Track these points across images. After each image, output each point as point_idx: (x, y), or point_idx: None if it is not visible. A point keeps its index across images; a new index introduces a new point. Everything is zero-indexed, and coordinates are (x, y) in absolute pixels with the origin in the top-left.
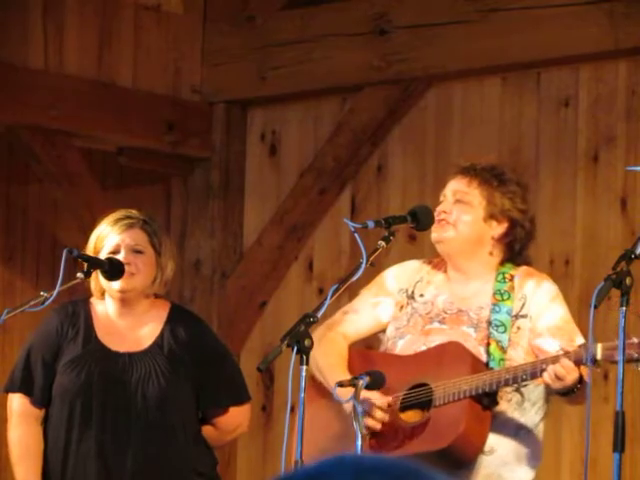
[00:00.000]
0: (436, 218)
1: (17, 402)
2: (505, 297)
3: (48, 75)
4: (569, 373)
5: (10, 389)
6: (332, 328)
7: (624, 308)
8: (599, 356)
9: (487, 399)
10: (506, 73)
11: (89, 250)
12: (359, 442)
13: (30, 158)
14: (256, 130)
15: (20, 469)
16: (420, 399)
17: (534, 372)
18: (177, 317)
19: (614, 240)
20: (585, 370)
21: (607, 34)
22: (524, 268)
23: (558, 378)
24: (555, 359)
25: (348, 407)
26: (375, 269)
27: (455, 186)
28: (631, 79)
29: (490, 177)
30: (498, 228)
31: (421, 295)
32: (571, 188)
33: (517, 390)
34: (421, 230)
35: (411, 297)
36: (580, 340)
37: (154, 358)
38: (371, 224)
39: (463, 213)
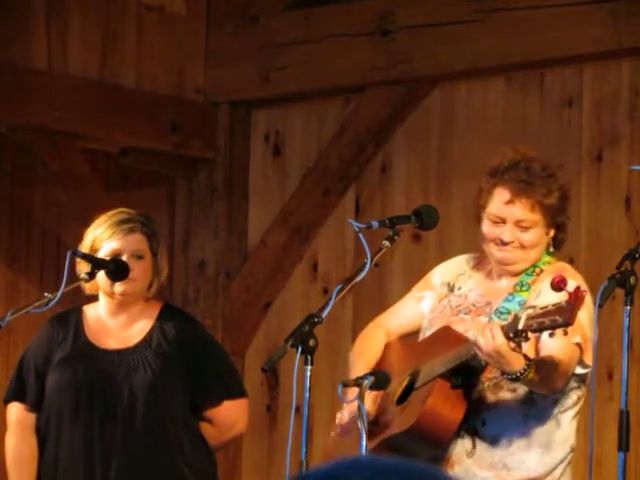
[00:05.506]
0: (495, 240)
1: (13, 410)
2: (524, 289)
3: (51, 76)
4: (492, 338)
5: (6, 398)
6: (378, 323)
7: (628, 307)
8: (520, 326)
9: (455, 378)
10: (510, 73)
11: (84, 248)
12: (364, 442)
13: (34, 160)
14: (260, 131)
15: (13, 476)
16: (408, 385)
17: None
18: (167, 315)
19: (618, 239)
20: (530, 351)
21: (610, 34)
22: (560, 265)
23: (484, 349)
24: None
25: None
26: (379, 269)
27: (518, 213)
28: (635, 79)
29: (539, 187)
30: (553, 228)
31: (459, 288)
32: (575, 188)
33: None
34: (425, 229)
35: (451, 290)
36: (576, 335)
37: (142, 353)
38: (375, 224)
39: (529, 235)
